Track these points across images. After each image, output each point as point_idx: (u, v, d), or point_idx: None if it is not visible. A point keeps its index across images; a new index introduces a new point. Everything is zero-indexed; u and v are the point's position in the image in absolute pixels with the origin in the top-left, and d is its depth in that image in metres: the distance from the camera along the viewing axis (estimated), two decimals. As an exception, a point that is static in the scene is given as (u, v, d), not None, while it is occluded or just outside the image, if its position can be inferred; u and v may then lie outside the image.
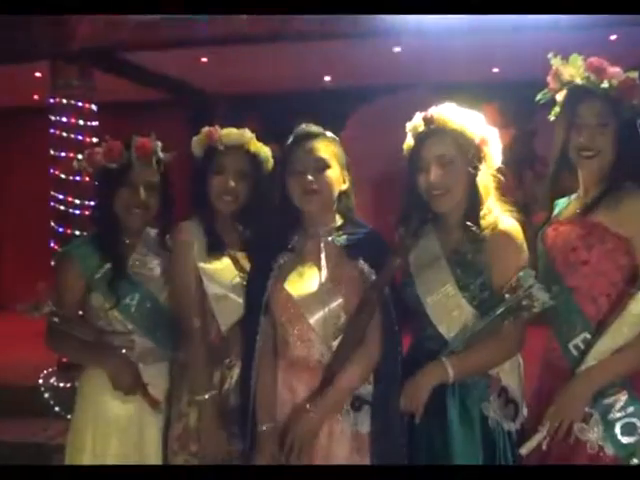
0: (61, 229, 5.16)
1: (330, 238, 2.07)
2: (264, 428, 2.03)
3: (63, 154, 5.11)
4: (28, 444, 4.21)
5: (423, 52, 5.46)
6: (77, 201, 5.11)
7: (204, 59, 5.92)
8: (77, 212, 5.12)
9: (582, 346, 1.91)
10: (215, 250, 2.22)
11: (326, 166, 2.03)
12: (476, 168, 1.99)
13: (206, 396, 2.12)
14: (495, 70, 6.40)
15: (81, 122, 5.16)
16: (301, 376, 2.03)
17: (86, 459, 2.18)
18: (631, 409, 1.84)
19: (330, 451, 1.99)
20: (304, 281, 2.04)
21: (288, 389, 2.05)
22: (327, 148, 2.05)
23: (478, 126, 2.00)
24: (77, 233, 4.96)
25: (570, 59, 1.93)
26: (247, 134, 2.29)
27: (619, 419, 1.84)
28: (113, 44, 5.03)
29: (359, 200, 2.16)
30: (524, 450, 1.90)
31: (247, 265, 2.23)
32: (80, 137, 5.14)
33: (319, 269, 2.04)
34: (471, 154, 1.98)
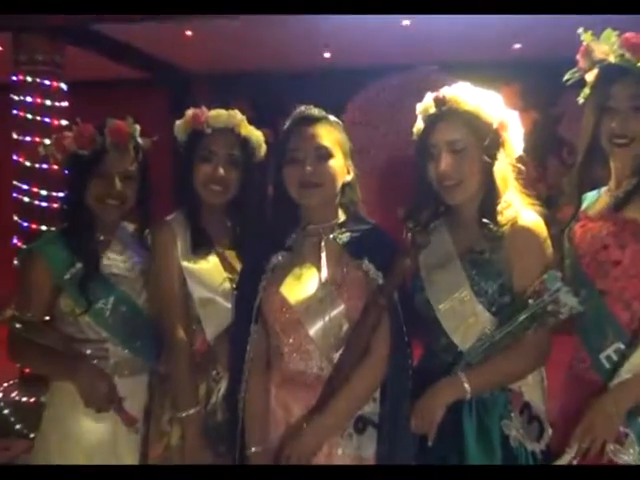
0: (25, 224, 5.15)
1: (331, 236, 2.07)
2: (254, 450, 2.03)
3: (28, 138, 5.09)
4: (-14, 465, 4.21)
5: (435, 25, 5.43)
6: (44, 192, 5.10)
7: (188, 32, 5.91)
8: (44, 204, 5.11)
9: (615, 357, 1.91)
10: (201, 248, 2.22)
11: (328, 155, 2.01)
12: (493, 156, 1.98)
13: (190, 412, 2.12)
14: (516, 46, 6.39)
15: (48, 102, 5.15)
16: (297, 392, 2.03)
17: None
18: (671, 428, 1.85)
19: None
20: (302, 284, 2.03)
21: (282, 407, 2.04)
22: (330, 134, 2.03)
23: (496, 109, 1.99)
24: (44, 228, 4.95)
25: (603, 35, 1.93)
26: (238, 115, 2.29)
27: (658, 439, 1.85)
28: (85, 14, 5.01)
29: (362, 193, 2.15)
30: None
31: (237, 265, 2.24)
32: (47, 120, 5.13)
33: (319, 270, 2.03)
34: (488, 140, 1.97)
